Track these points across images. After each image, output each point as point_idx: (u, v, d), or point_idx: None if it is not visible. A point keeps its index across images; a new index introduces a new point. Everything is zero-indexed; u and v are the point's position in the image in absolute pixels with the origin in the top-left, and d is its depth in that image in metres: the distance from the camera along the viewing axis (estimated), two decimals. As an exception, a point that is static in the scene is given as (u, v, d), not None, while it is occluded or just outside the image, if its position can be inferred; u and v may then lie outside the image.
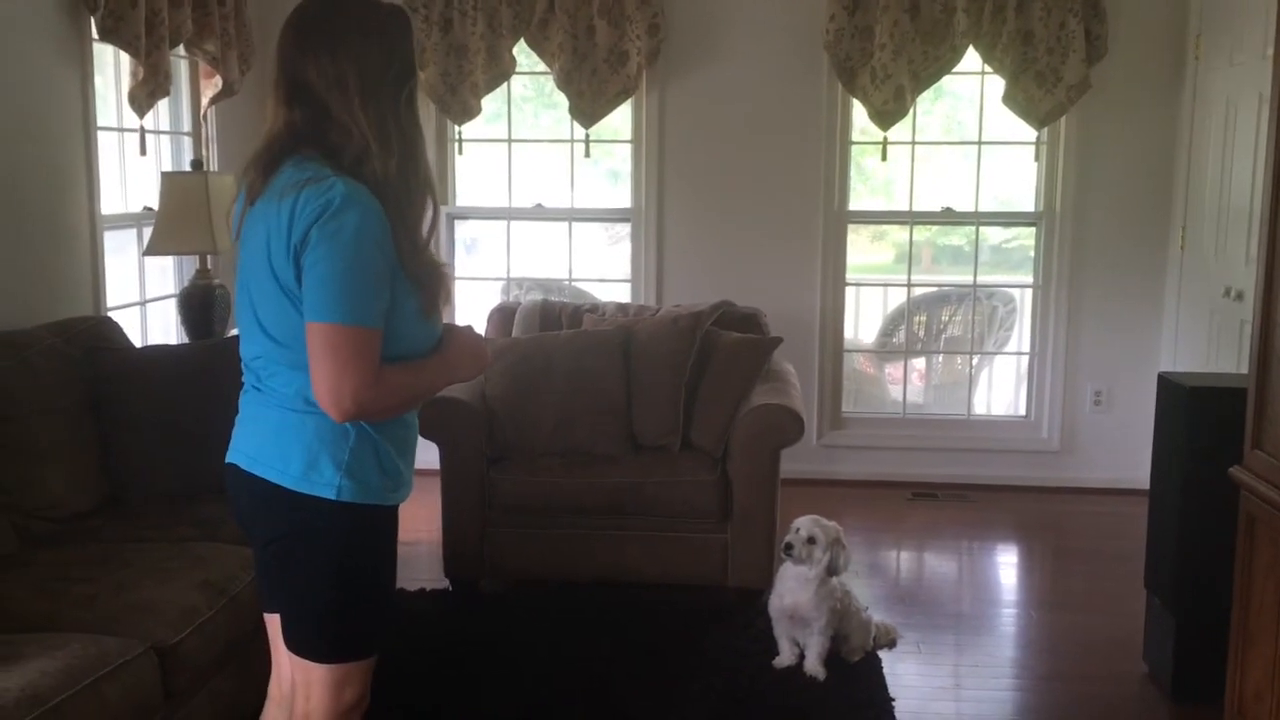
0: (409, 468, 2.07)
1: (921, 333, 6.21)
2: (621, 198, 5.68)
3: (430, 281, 1.97)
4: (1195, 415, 3.19)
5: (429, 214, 2.00)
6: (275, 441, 1.95)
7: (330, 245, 1.81)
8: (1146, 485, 3.56)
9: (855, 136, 5.50)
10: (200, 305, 4.24)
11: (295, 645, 2.03)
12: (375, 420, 1.94)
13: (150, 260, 4.53)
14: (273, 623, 2.14)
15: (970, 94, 5.57)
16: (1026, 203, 5.58)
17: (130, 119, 4.22)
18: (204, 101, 4.74)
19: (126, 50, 3.96)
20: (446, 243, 5.70)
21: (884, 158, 5.41)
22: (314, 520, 1.94)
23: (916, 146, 5.51)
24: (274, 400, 1.97)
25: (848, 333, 5.76)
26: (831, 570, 3.41)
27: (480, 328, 4.67)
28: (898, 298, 6.15)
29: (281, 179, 1.89)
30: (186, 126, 4.80)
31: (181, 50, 4.46)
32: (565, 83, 5.24)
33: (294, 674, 2.06)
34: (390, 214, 1.88)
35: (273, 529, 1.99)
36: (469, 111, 5.31)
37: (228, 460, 2.05)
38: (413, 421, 2.09)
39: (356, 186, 1.85)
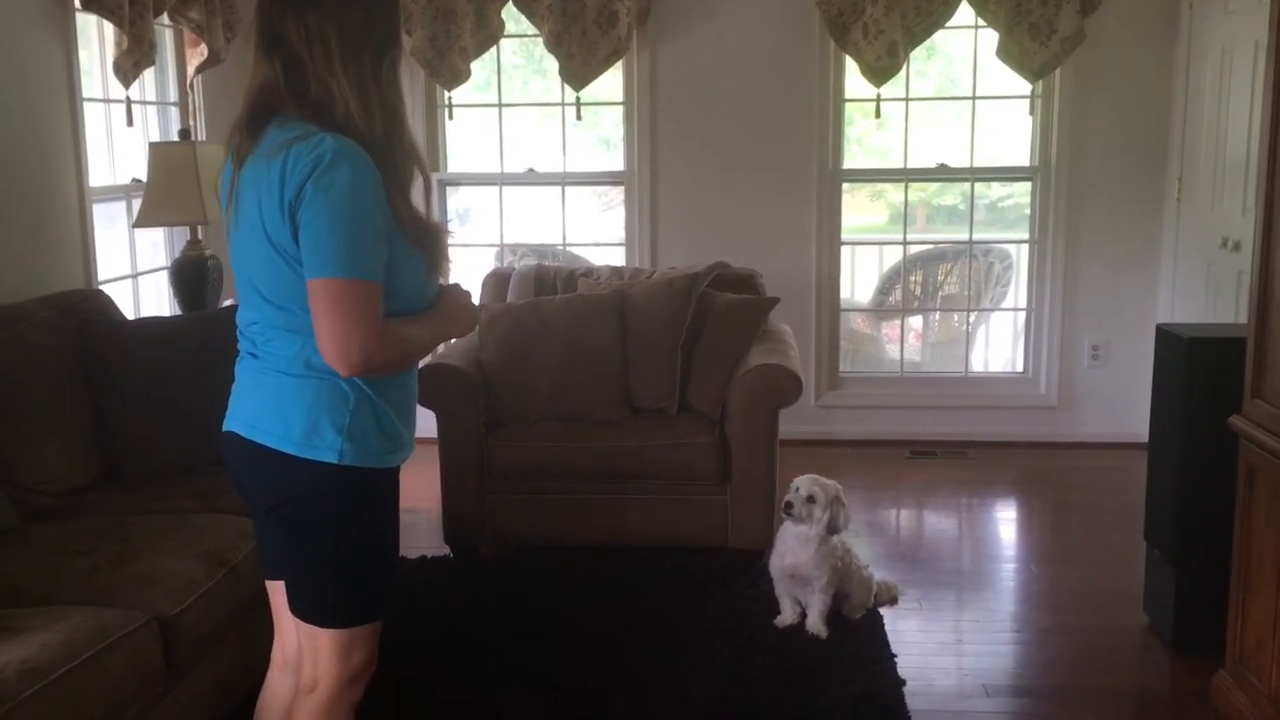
0: (409, 429, 2.06)
1: (918, 291, 6.19)
2: (614, 162, 5.64)
3: (431, 243, 1.96)
4: (1194, 366, 3.18)
5: (418, 181, 1.99)
6: (275, 407, 1.94)
7: (325, 199, 1.79)
8: (1145, 438, 3.56)
9: (849, 94, 5.45)
10: (192, 277, 4.21)
11: (301, 610, 2.03)
12: (381, 374, 1.93)
13: (140, 232, 4.50)
14: (276, 589, 2.13)
15: (963, 50, 5.52)
16: (1022, 157, 5.55)
17: (116, 90, 4.17)
18: (190, 71, 4.69)
19: (110, 20, 3.90)
20: (439, 209, 5.66)
21: (877, 114, 5.36)
22: (316, 485, 1.93)
23: (910, 104, 5.47)
24: (271, 365, 1.95)
25: (844, 292, 5.74)
26: (832, 529, 3.41)
27: (475, 294, 4.66)
28: (893, 256, 6.12)
29: (268, 139, 1.87)
30: (173, 96, 4.75)
31: (166, 19, 4.40)
32: (555, 45, 5.19)
33: (301, 640, 2.06)
34: (381, 172, 1.86)
35: (275, 495, 1.98)
36: (458, 76, 5.26)
37: (225, 428, 2.03)
38: (411, 383, 2.07)
39: (346, 141, 1.83)
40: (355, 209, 1.81)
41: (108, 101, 4.32)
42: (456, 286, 2.12)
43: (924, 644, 3.47)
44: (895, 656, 3.31)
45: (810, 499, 3.40)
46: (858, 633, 3.45)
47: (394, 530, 2.09)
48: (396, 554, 2.13)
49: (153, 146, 4.15)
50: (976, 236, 5.75)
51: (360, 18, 1.89)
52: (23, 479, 3.09)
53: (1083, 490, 4.98)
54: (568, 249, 5.79)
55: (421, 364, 3.84)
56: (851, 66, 5.29)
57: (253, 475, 2.01)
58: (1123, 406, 5.35)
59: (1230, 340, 3.05)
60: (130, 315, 4.13)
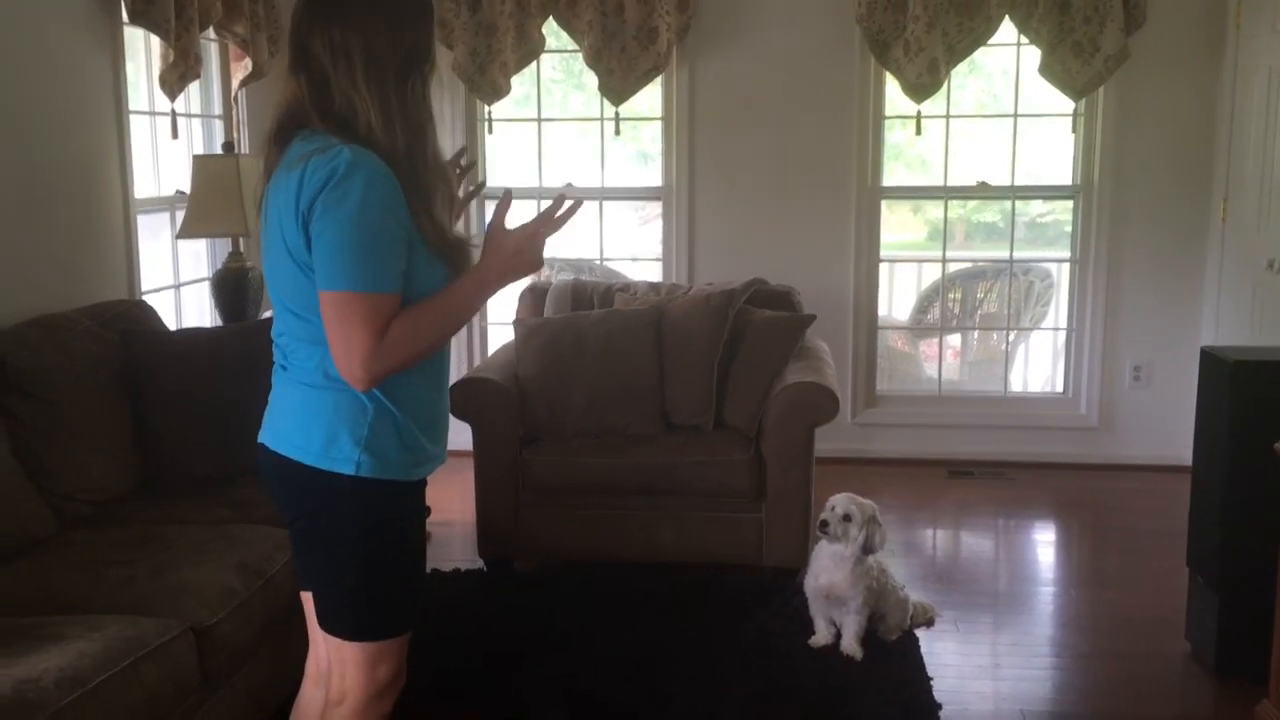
0: (434, 442, 2.05)
1: (956, 309, 6.15)
2: (652, 177, 5.65)
3: (454, 258, 1.96)
4: (1239, 390, 3.14)
5: (440, 198, 1.98)
6: (297, 418, 1.96)
7: (336, 212, 1.80)
8: (1187, 462, 3.51)
9: (889, 111, 5.43)
10: (233, 288, 4.25)
11: (326, 623, 2.03)
12: (400, 372, 1.89)
13: (183, 243, 4.55)
14: (308, 600, 2.14)
15: (1005, 66, 5.49)
16: (1064, 176, 5.50)
17: (161, 102, 4.22)
18: (234, 84, 4.75)
19: (157, 33, 3.96)
20: (477, 221, 5.68)
21: (918, 132, 5.33)
22: (335, 497, 1.94)
23: (951, 120, 5.44)
24: (296, 377, 1.97)
25: (882, 310, 5.71)
26: (867, 549, 3.38)
27: (511, 308, 4.67)
28: (932, 274, 6.08)
29: (292, 151, 1.88)
30: (217, 109, 4.81)
31: (211, 33, 4.46)
32: (595, 60, 5.20)
33: (329, 652, 2.06)
34: (403, 187, 1.86)
35: (297, 506, 2.00)
36: (498, 91, 5.29)
37: (259, 439, 2.05)
38: (436, 397, 2.06)
39: (364, 152, 1.83)
40: (367, 221, 1.81)
41: (153, 114, 4.37)
42: (496, 227, 2.06)
43: (960, 667, 3.43)
44: (931, 679, 3.27)
45: (846, 518, 3.37)
46: (893, 655, 3.42)
47: (418, 544, 2.08)
48: (422, 567, 2.12)
49: (196, 159, 4.20)
50: (1017, 255, 5.70)
51: (385, 32, 1.89)
52: (63, 487, 3.12)
53: (1123, 513, 4.91)
54: (605, 264, 5.80)
55: (457, 378, 3.86)
56: (892, 83, 5.27)
57: (279, 486, 2.03)
58: (1164, 429, 5.28)
59: (1276, 364, 3.00)
60: (172, 326, 4.18)
